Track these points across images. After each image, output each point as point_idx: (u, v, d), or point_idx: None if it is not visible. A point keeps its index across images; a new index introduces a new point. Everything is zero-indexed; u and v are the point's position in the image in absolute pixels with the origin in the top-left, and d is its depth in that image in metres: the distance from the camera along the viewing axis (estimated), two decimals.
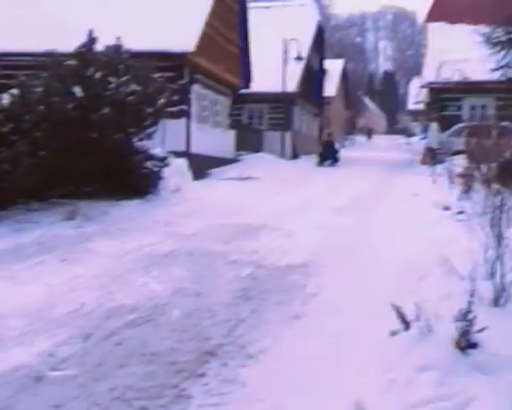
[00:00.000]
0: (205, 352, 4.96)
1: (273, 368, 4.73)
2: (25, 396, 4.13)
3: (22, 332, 5.27)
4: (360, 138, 63.49)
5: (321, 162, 29.15)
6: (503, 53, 16.30)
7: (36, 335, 5.23)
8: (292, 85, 32.45)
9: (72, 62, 12.39)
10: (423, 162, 23.91)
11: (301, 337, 5.42)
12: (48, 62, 12.30)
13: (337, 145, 31.93)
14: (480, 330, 4.37)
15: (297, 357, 4.94)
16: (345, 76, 56.83)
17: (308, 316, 6.01)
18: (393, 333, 4.73)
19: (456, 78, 13.82)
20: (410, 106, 62.93)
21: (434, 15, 33.29)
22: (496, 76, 17.66)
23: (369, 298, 6.42)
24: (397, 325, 4.80)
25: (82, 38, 13.05)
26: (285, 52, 31.38)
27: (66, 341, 5.13)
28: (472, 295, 4.68)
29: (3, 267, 7.52)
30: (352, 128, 62.85)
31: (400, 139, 60.35)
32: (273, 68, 30.76)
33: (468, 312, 4.37)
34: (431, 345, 4.36)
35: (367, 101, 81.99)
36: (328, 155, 29.58)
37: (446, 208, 11.76)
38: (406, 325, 4.66)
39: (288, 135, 32.90)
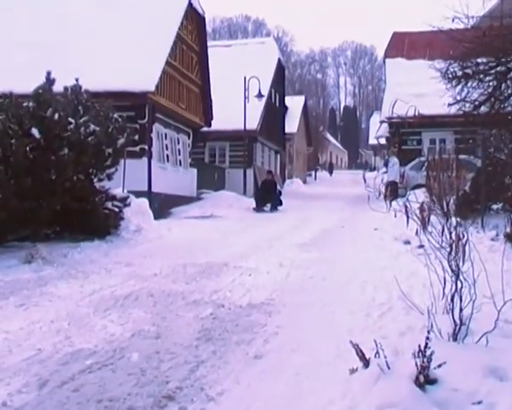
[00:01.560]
0: (163, 396, 4.89)
1: None
2: None
3: None
4: (322, 174, 64.07)
5: (258, 206, 24.56)
6: (459, 87, 16.67)
7: None
8: (253, 123, 32.73)
9: (30, 103, 12.30)
10: (384, 197, 24.16)
11: (262, 377, 5.37)
12: (5, 104, 12.19)
13: (279, 186, 28.04)
14: (439, 366, 4.38)
15: (258, 398, 4.89)
16: (306, 112, 57.43)
17: (269, 355, 5.96)
18: (353, 371, 4.72)
19: (412, 112, 14.04)
20: (371, 140, 63.73)
21: (392, 51, 33.96)
22: (453, 110, 18.02)
23: (329, 336, 6.41)
24: (357, 362, 4.80)
25: (40, 80, 12.99)
26: (246, 90, 31.61)
27: (20, 389, 5.01)
28: (430, 331, 4.71)
29: None
30: (314, 164, 63.32)
31: (361, 174, 60.96)
32: (234, 106, 31.03)
33: (427, 347, 4.39)
34: (390, 382, 4.36)
35: (329, 136, 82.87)
36: (268, 198, 25.06)
37: (407, 242, 11.88)
38: (366, 362, 4.66)
39: (250, 172, 33.02)
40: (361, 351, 4.74)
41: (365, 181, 6.91)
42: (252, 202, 26.38)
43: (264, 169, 38.03)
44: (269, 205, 24.68)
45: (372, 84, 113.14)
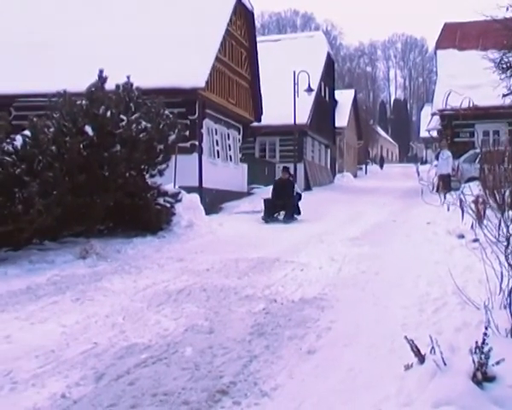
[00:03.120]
0: (217, 390, 4.90)
1: (287, 405, 4.66)
2: None
3: (35, 374, 5.24)
4: (373, 167, 63.50)
5: (268, 215, 18.47)
6: None
7: (49, 376, 5.20)
8: (303, 117, 32.61)
9: (83, 102, 12.49)
10: (437, 190, 23.80)
11: (316, 373, 5.35)
12: (59, 102, 12.41)
13: (297, 188, 20.83)
14: (497, 363, 4.29)
15: (311, 393, 4.88)
16: (356, 106, 56.96)
17: (322, 351, 5.94)
18: (408, 367, 4.65)
19: (466, 104, 13.73)
20: (422, 133, 62.86)
21: (444, 42, 33.43)
22: (508, 101, 17.66)
23: (383, 331, 6.35)
24: (412, 358, 4.73)
25: (93, 78, 13.17)
26: (295, 84, 31.53)
27: (78, 382, 5.09)
28: (487, 326, 4.62)
29: (18, 308, 7.53)
30: (364, 158, 62.81)
31: (413, 167, 60.28)
32: (284, 101, 30.95)
33: (484, 343, 4.30)
34: (447, 379, 4.28)
35: (379, 130, 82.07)
36: (283, 203, 18.82)
37: (461, 236, 11.68)
38: (421, 358, 4.59)
39: (300, 167, 32.95)
40: (416, 347, 4.67)
41: (419, 174, 6.78)
42: None
43: (315, 164, 37.92)
44: (282, 213, 18.77)
45: (423, 76, 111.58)
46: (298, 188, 20.86)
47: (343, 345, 6.09)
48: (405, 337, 4.81)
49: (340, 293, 8.42)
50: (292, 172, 25.14)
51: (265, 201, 18.83)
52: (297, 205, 19.01)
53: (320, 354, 5.86)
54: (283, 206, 18.68)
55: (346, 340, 6.24)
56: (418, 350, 4.65)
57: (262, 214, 18.39)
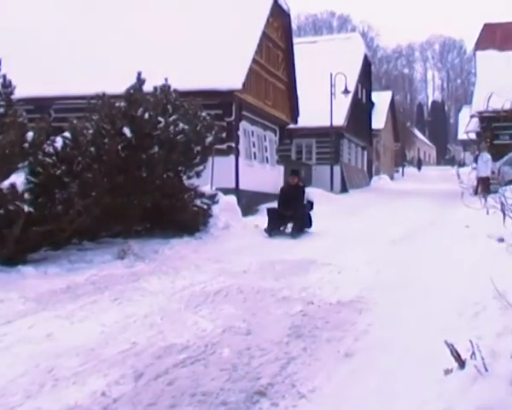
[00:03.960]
0: (255, 392, 4.92)
1: (325, 408, 4.66)
2: None
3: (76, 372, 5.32)
4: (410, 170, 62.97)
5: (273, 227, 15.28)
6: None
7: (89, 374, 5.27)
8: (340, 119, 32.52)
9: (121, 104, 12.61)
10: (475, 193, 23.56)
11: (354, 376, 5.34)
12: (98, 104, 12.55)
13: (308, 194, 18.10)
14: None
15: (350, 397, 4.86)
16: (393, 108, 56.55)
17: (360, 354, 5.91)
18: (448, 371, 4.61)
19: (507, 106, 13.50)
20: (461, 136, 62.17)
21: (483, 43, 33.03)
22: None
23: (422, 334, 6.30)
24: (451, 362, 4.69)
25: (131, 80, 13.29)
26: (332, 86, 31.46)
27: (118, 380, 5.15)
28: None
29: (58, 307, 7.64)
30: (401, 160, 62.33)
31: (451, 170, 59.68)
32: (320, 102, 30.90)
33: None
34: (488, 384, 4.23)
35: (416, 132, 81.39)
36: (290, 215, 15.57)
37: (501, 240, 11.52)
38: (461, 363, 4.54)
39: (337, 169, 32.84)
40: (456, 351, 4.63)
41: (459, 177, 6.71)
42: (337, 198, 26.02)
43: (352, 166, 37.72)
44: (290, 225, 15.66)
45: (461, 77, 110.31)
46: (309, 195, 18.00)
47: (381, 348, 6.06)
48: (445, 342, 4.76)
49: (377, 296, 8.38)
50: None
51: (269, 211, 15.67)
52: (308, 216, 15.93)
53: (358, 357, 5.84)
54: (291, 217, 15.46)
55: (385, 343, 6.21)
56: (458, 355, 4.60)
57: (265, 226, 15.24)
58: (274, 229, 15.19)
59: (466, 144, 69.17)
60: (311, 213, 16.15)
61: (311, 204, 16.71)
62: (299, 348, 6.05)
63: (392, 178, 50.43)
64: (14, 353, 5.81)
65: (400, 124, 60.85)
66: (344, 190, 33.27)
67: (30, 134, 9.84)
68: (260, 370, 5.42)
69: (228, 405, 4.65)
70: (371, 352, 5.96)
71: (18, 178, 9.39)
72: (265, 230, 15.08)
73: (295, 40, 31.24)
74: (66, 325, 6.88)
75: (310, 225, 15.84)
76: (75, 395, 4.79)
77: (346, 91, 31.63)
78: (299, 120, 29.53)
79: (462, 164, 60.82)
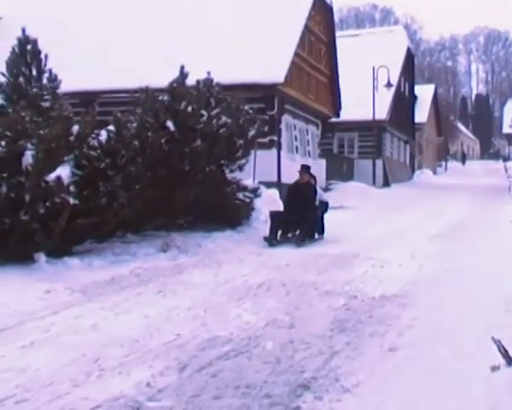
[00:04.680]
0: (299, 385, 4.91)
1: (370, 403, 4.63)
2: None
3: (121, 362, 5.37)
4: (453, 164, 62.18)
5: (275, 234, 12.89)
6: None
7: (134, 365, 5.32)
8: (382, 113, 32.29)
9: (165, 97, 12.68)
10: None
11: (398, 370, 5.29)
12: (142, 98, 12.64)
13: (322, 193, 15.35)
14: None
15: (394, 391, 4.82)
16: (436, 101, 55.86)
17: (404, 349, 5.86)
18: (495, 368, 4.55)
19: None
20: (506, 129, 61.18)
21: None
22: None
23: (467, 331, 6.23)
24: (498, 359, 4.62)
25: (174, 74, 13.36)
26: (375, 79, 31.22)
27: (162, 371, 5.19)
28: None
29: (103, 299, 7.73)
30: (444, 154, 61.57)
31: (495, 164, 58.76)
32: (363, 96, 30.72)
33: None
34: None
35: (460, 125, 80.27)
36: (298, 217, 12.99)
37: None
38: (509, 359, 4.48)
39: (379, 163, 32.62)
40: (504, 348, 4.57)
41: (506, 171, 6.60)
42: (380, 192, 25.86)
43: (394, 160, 37.39)
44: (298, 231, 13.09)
45: (506, 70, 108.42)
46: (323, 194, 15.18)
47: (426, 344, 6.00)
48: (492, 338, 4.71)
49: (421, 291, 8.31)
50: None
51: (272, 215, 13.24)
52: (321, 220, 13.84)
53: (402, 352, 5.79)
54: (298, 222, 12.99)
55: (429, 339, 6.15)
56: (506, 351, 4.54)
57: (268, 232, 12.81)
58: (276, 237, 12.79)
59: (510, 138, 68.09)
60: (325, 216, 14.12)
61: (325, 206, 14.35)
62: (343, 343, 6.02)
63: (434, 172, 49.89)
64: (61, 342, 5.90)
65: (443, 117, 60.05)
66: (386, 184, 33.03)
67: (75, 128, 9.94)
68: (304, 363, 5.41)
69: (272, 397, 4.65)
70: (416, 347, 5.90)
71: (63, 171, 9.49)
72: (265, 238, 12.55)
73: (337, 33, 31.10)
74: (111, 316, 6.96)
75: (322, 231, 13.69)
76: (121, 385, 4.85)
77: (388, 85, 31.36)
78: (341, 113, 29.40)
79: (506, 158, 59.88)
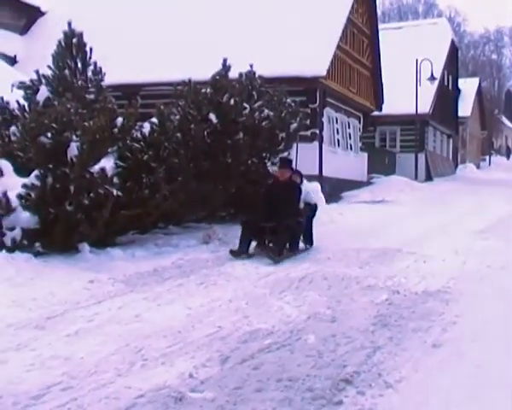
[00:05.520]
0: (341, 379, 4.89)
1: (413, 399, 4.59)
2: None
3: (164, 353, 5.42)
4: (497, 159, 61.19)
5: (246, 244, 10.33)
6: None
7: (177, 356, 5.36)
8: (425, 106, 31.89)
9: (207, 90, 12.73)
10: None
11: (441, 367, 5.23)
12: (185, 91, 12.70)
13: (310, 193, 12.05)
14: None
15: (438, 388, 4.77)
16: (480, 95, 54.98)
17: (448, 345, 5.80)
18: None
19: None
20: None
21: None
22: None
23: (511, 326, 6.14)
24: None
25: (217, 67, 13.40)
26: (418, 72, 30.88)
27: (204, 363, 5.22)
28: None
29: (145, 289, 7.80)
30: (488, 148, 60.62)
31: None
32: (405, 89, 30.41)
33: None
34: None
35: (504, 120, 78.88)
36: (274, 227, 10.31)
37: None
38: None
39: (421, 157, 32.29)
40: None
41: None
42: (422, 186, 25.60)
43: (437, 154, 36.95)
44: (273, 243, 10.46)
45: None
46: (311, 193, 12.12)
47: (470, 340, 5.93)
48: None
49: (464, 287, 8.21)
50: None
51: (244, 222, 10.72)
52: (309, 227, 11.40)
53: (446, 348, 5.73)
54: (275, 230, 10.30)
55: (473, 335, 6.08)
56: None
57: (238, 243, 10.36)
58: (247, 249, 10.28)
59: None
60: (312, 222, 11.59)
61: (312, 209, 11.77)
62: (385, 338, 5.98)
63: (478, 166, 49.15)
64: (105, 332, 5.97)
65: (487, 111, 59.11)
66: (428, 178, 32.68)
67: (119, 120, 10.03)
68: (346, 358, 5.39)
69: (314, 391, 4.64)
70: (460, 343, 5.83)
71: (107, 163, 9.59)
72: (231, 251, 10.14)
73: (380, 26, 30.79)
74: (154, 307, 7.02)
75: (310, 240, 11.35)
76: (164, 376, 4.88)
77: (431, 78, 30.97)
78: (384, 107, 29.13)
79: None
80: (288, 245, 10.38)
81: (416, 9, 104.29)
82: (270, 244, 10.37)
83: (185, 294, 7.62)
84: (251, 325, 6.32)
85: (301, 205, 11.24)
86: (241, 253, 10.10)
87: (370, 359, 5.39)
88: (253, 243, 10.51)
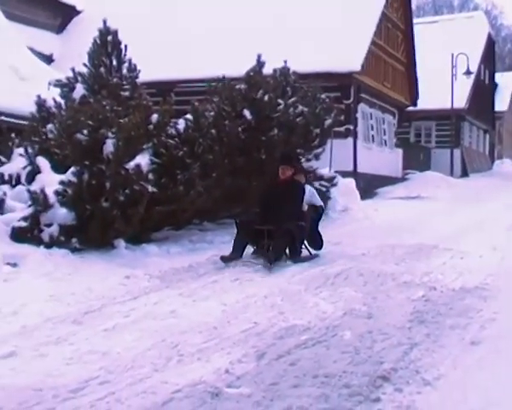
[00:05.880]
0: (378, 376, 4.84)
1: (452, 397, 4.52)
2: None
3: (200, 348, 5.42)
4: None
5: (238, 249, 9.36)
6: None
7: (212, 352, 5.36)
8: (461, 101, 31.59)
9: (241, 86, 12.73)
10: None
11: (480, 365, 5.15)
12: (219, 87, 12.73)
13: (315, 194, 10.57)
14: None
15: (477, 386, 4.70)
16: None
17: (487, 342, 5.71)
18: None
19: None
20: None
21: None
22: None
23: None
24: None
25: (250, 63, 13.39)
26: (453, 67, 30.54)
27: (240, 359, 5.21)
28: None
29: (181, 285, 7.83)
30: None
31: None
32: (441, 84, 30.15)
33: None
34: None
35: None
36: (270, 229, 9.32)
37: None
38: None
39: (457, 152, 31.95)
40: None
41: None
42: (458, 182, 25.37)
43: (473, 149, 36.51)
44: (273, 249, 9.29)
45: None
46: (315, 194, 10.64)
47: (509, 337, 5.84)
48: None
49: (503, 283, 8.10)
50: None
51: (240, 223, 9.75)
52: (315, 230, 10.17)
53: (485, 345, 5.64)
54: (273, 233, 9.32)
55: None
56: None
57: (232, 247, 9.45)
58: (241, 254, 9.37)
59: None
60: (318, 226, 10.29)
61: (318, 212, 10.47)
62: (422, 334, 5.91)
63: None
64: (141, 327, 6.00)
65: None
66: (464, 174, 32.35)
67: (155, 116, 10.09)
68: (383, 354, 5.33)
69: (351, 388, 4.60)
70: (499, 341, 5.74)
71: (143, 159, 9.65)
72: (222, 258, 9.12)
73: (415, 20, 30.55)
74: (189, 302, 7.03)
75: (319, 245, 10.13)
76: (200, 371, 4.89)
77: (467, 72, 30.65)
78: (419, 102, 28.89)
79: None
80: (288, 251, 9.41)
81: (452, 3, 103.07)
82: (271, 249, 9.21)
83: (220, 290, 7.63)
84: (287, 321, 6.30)
85: (305, 207, 10.05)
86: (233, 258, 9.12)
87: (407, 356, 5.33)
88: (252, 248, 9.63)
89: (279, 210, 9.46)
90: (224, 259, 9.07)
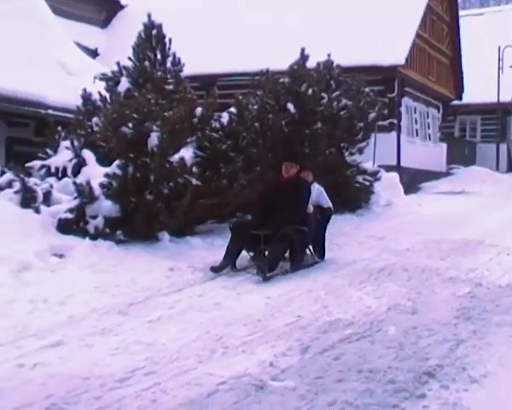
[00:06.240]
0: (424, 372, 4.79)
1: (500, 395, 4.46)
2: (249, 403, 4.23)
3: (244, 341, 5.44)
4: None
5: (231, 256, 8.30)
6: None
7: (257, 344, 5.38)
8: (508, 95, 30.99)
9: (285, 79, 12.71)
10: None
11: None
12: (262, 81, 12.71)
13: (323, 194, 9.69)
14: None
15: None
16: None
17: None
18: None
19: None
20: None
21: None
22: None
23: None
24: None
25: (294, 56, 13.35)
26: (500, 60, 30.03)
27: (284, 352, 5.21)
28: None
29: (225, 278, 7.88)
30: None
31: None
32: (487, 77, 29.64)
33: None
34: None
35: None
36: (269, 234, 8.18)
37: None
38: None
39: (503, 147, 31.42)
40: None
41: None
42: (504, 178, 25.00)
43: None
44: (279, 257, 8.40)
45: None
46: (324, 194, 9.76)
47: None
48: None
49: None
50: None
51: (234, 226, 8.85)
52: (321, 236, 9.32)
53: None
54: (269, 238, 8.27)
55: None
56: None
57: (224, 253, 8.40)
58: (234, 261, 8.37)
59: None
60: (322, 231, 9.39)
61: (326, 215, 9.65)
62: (469, 331, 5.84)
63: None
64: (186, 319, 6.05)
65: None
66: (510, 169, 31.78)
67: (199, 110, 10.13)
68: (428, 350, 5.28)
69: (396, 383, 4.57)
70: None
71: (187, 153, 9.69)
72: (212, 268, 8.09)
73: (461, 13, 30.09)
74: (233, 295, 7.07)
75: (322, 252, 9.22)
76: (245, 364, 4.90)
77: None
78: (464, 96, 28.48)
79: None
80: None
81: None
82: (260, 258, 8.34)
83: (264, 283, 7.63)
84: (330, 315, 6.28)
85: (310, 209, 9.01)
86: (224, 267, 8.13)
87: (453, 352, 5.27)
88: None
89: (279, 212, 8.42)
90: (215, 269, 8.04)
